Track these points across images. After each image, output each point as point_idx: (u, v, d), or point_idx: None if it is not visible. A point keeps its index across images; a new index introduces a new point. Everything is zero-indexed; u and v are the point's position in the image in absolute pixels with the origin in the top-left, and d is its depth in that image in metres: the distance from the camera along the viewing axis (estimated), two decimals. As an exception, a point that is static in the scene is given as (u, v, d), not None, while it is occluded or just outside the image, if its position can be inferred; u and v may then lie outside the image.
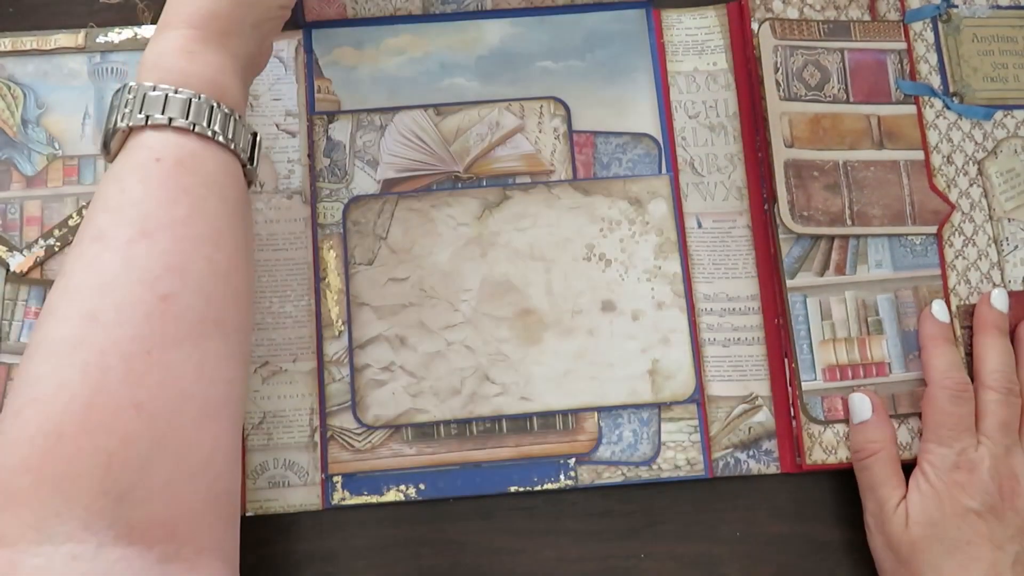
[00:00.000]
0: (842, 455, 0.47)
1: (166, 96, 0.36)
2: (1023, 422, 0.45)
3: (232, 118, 0.38)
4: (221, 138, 0.37)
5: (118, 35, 0.50)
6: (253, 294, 0.39)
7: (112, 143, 0.37)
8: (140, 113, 0.36)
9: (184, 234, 0.35)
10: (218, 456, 0.34)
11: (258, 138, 0.40)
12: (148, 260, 0.33)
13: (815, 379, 0.47)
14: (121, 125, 0.36)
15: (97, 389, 0.31)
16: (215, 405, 0.34)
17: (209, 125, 0.37)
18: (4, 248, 0.47)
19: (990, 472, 0.43)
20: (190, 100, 0.36)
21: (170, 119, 0.36)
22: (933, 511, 0.43)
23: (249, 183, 0.40)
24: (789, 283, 0.48)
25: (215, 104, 0.37)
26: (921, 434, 0.46)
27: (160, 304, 0.33)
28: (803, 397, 0.47)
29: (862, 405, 0.46)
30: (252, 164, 0.39)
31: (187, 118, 0.36)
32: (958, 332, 0.48)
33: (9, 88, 0.49)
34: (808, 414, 0.47)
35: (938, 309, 0.47)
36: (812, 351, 0.47)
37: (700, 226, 0.50)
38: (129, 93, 0.37)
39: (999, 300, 0.47)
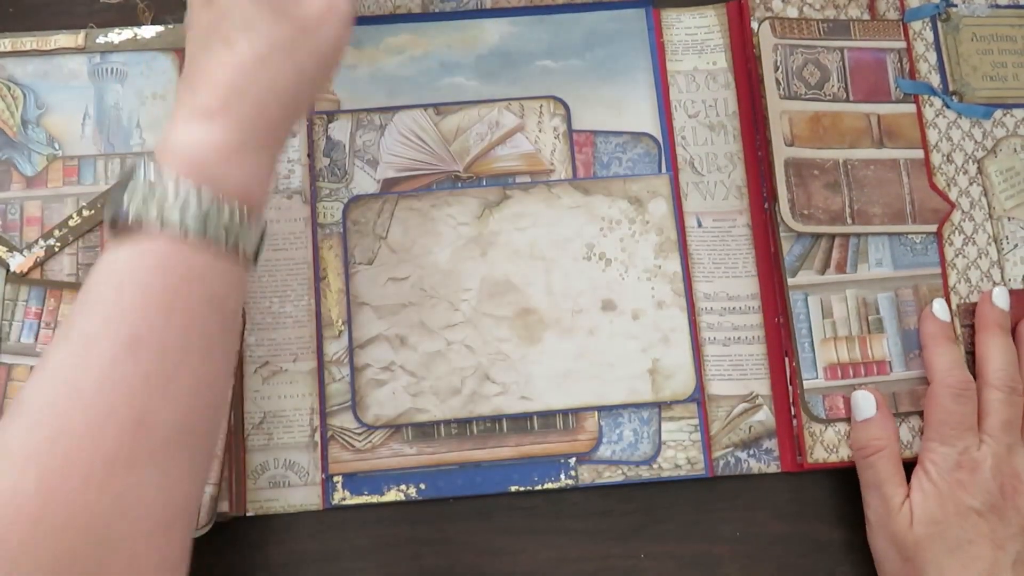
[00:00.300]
0: (843, 454, 0.47)
1: (186, 196, 0.33)
2: None
3: (248, 222, 0.35)
4: (232, 247, 0.34)
5: (118, 35, 0.50)
6: (231, 392, 0.37)
7: (119, 226, 0.34)
8: (155, 209, 0.33)
9: (175, 346, 0.33)
10: (166, 566, 0.32)
11: (264, 230, 0.37)
12: (132, 376, 0.31)
13: (816, 377, 0.47)
14: (132, 215, 0.33)
15: (50, 500, 0.29)
16: (170, 519, 0.32)
17: (225, 235, 0.34)
18: (4, 248, 0.47)
19: (992, 471, 0.43)
20: (211, 206, 0.34)
21: (184, 225, 0.33)
22: (935, 510, 0.43)
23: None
24: (790, 281, 0.48)
25: (240, 214, 0.34)
26: (922, 432, 0.46)
27: (135, 424, 0.31)
28: (804, 395, 0.47)
29: (866, 402, 0.46)
30: (256, 262, 0.37)
31: (202, 225, 0.33)
32: (958, 330, 0.48)
33: (9, 88, 0.49)
34: (809, 412, 0.47)
35: (939, 308, 0.47)
36: (813, 349, 0.47)
37: (700, 225, 0.50)
38: (149, 177, 0.34)
39: (1000, 298, 0.47)
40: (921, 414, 0.47)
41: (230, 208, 0.34)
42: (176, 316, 0.33)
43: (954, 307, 0.48)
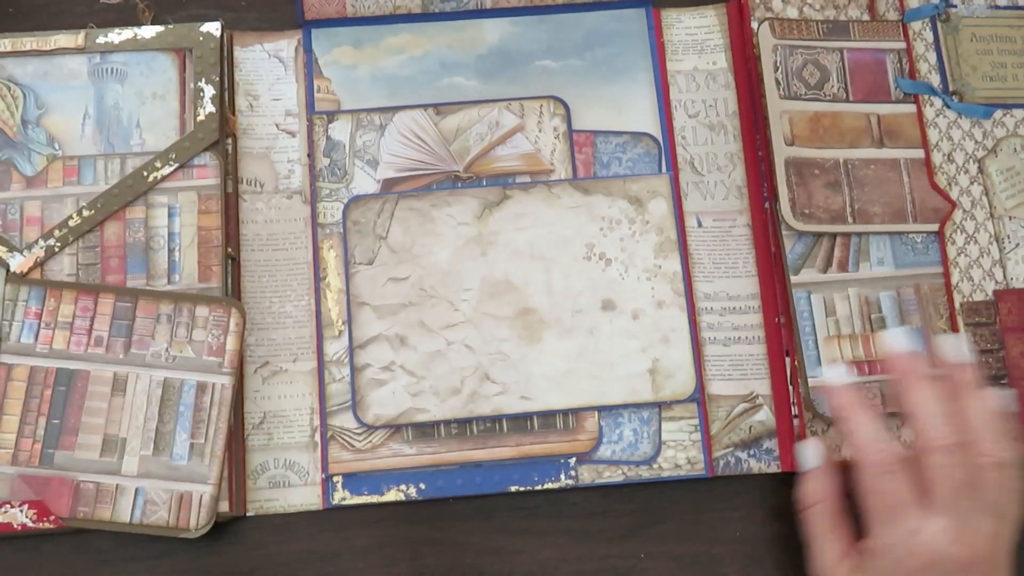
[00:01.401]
0: (846, 452, 0.46)
1: None
2: (982, 478, 0.38)
3: None
4: None
5: (118, 35, 0.50)
6: None
7: None
8: None
9: None
10: None
11: None
12: None
13: (821, 376, 0.47)
14: None
15: None
16: None
17: None
18: (4, 248, 0.47)
19: (943, 553, 0.37)
20: None
21: None
22: None
23: None
24: (793, 279, 0.48)
25: None
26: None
27: None
28: (809, 393, 0.47)
29: (811, 453, 0.44)
30: None
31: None
32: (961, 328, 0.48)
33: (9, 88, 0.49)
34: (814, 410, 0.46)
35: (833, 374, 0.43)
36: (817, 347, 0.47)
37: (700, 225, 0.50)
38: None
39: (896, 340, 0.42)
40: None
41: None
42: None
43: (957, 306, 0.48)
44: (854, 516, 0.42)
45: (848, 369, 0.45)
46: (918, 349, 0.41)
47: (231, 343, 0.46)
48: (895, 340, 0.41)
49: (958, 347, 0.41)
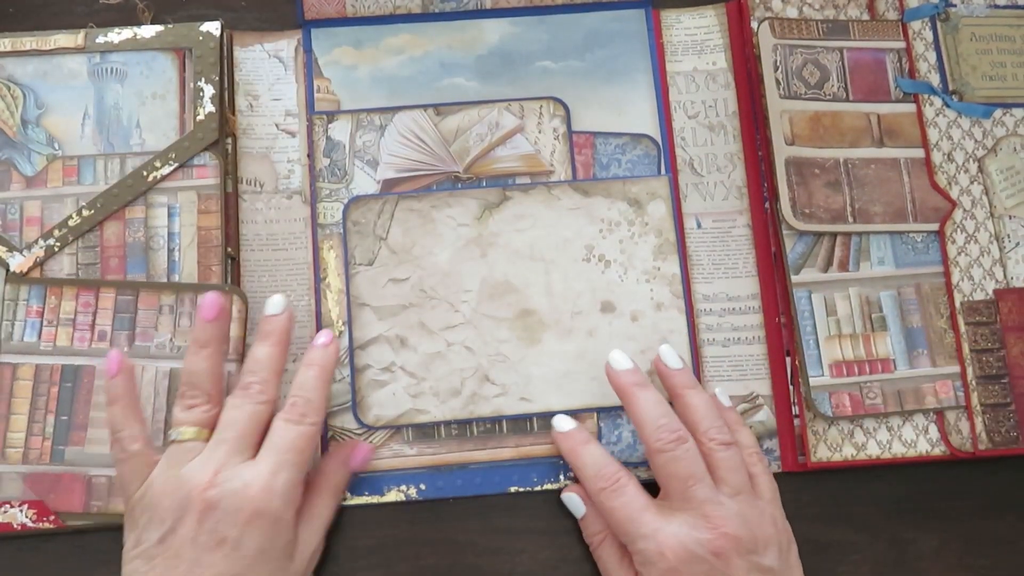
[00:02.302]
0: (847, 452, 0.46)
1: None
2: (713, 459, 0.41)
3: None
4: None
5: (118, 35, 0.49)
6: None
7: None
8: None
9: None
10: None
11: None
12: None
13: (822, 375, 0.47)
14: None
15: None
16: None
17: None
18: (4, 248, 0.47)
19: (687, 541, 0.39)
20: None
21: None
22: None
23: None
24: (794, 279, 0.48)
25: None
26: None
27: None
28: (811, 393, 0.47)
29: (574, 504, 0.45)
30: None
31: None
32: (962, 328, 0.48)
33: (9, 88, 0.49)
34: (816, 410, 0.46)
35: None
36: (819, 347, 0.47)
37: (700, 226, 0.50)
38: None
39: (620, 360, 0.44)
40: (925, 412, 0.47)
41: None
42: None
43: (958, 305, 0.48)
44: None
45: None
46: (678, 365, 0.44)
47: (235, 330, 0.46)
48: (615, 361, 0.44)
49: (670, 355, 0.44)
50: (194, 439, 0.41)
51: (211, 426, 0.41)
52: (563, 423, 0.45)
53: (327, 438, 0.47)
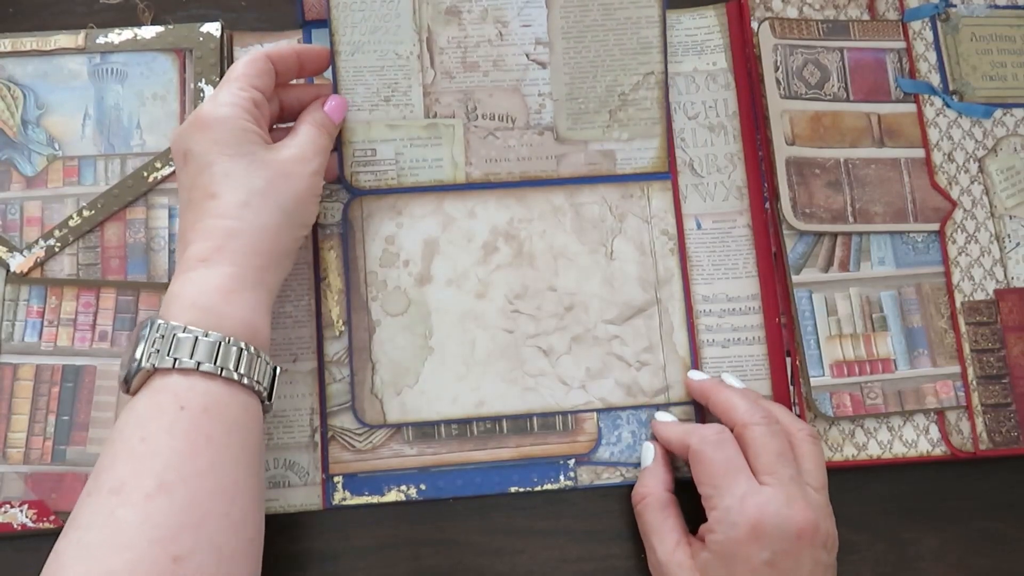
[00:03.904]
0: (848, 452, 0.46)
1: (196, 339, 0.36)
2: (799, 451, 0.42)
3: (258, 358, 0.38)
4: (247, 381, 0.37)
5: (118, 36, 0.50)
6: (263, 532, 0.38)
7: (134, 380, 0.37)
8: (168, 355, 0.36)
9: (203, 487, 0.34)
10: None
11: (277, 372, 0.40)
12: (165, 518, 0.33)
13: (823, 375, 0.47)
14: (146, 365, 0.36)
15: None
16: None
17: (236, 368, 0.37)
18: (4, 249, 0.47)
19: (777, 512, 0.39)
20: (219, 343, 0.37)
21: (198, 363, 0.36)
22: (723, 571, 0.39)
23: (265, 413, 0.40)
24: (794, 279, 0.48)
25: (243, 346, 0.37)
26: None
27: (173, 565, 0.33)
28: (812, 393, 0.47)
29: (646, 453, 0.46)
30: (271, 400, 0.40)
31: (215, 362, 0.36)
32: (963, 328, 0.48)
33: (9, 89, 0.49)
34: (817, 410, 0.46)
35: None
36: (819, 347, 0.47)
37: (700, 227, 0.50)
38: (158, 332, 0.37)
39: (699, 373, 0.47)
40: (926, 412, 0.47)
41: (237, 346, 0.37)
42: (202, 453, 0.35)
43: (958, 305, 0.48)
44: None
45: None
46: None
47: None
48: (694, 375, 0.47)
49: (735, 381, 0.46)
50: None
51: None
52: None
53: (327, 437, 0.47)
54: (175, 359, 0.36)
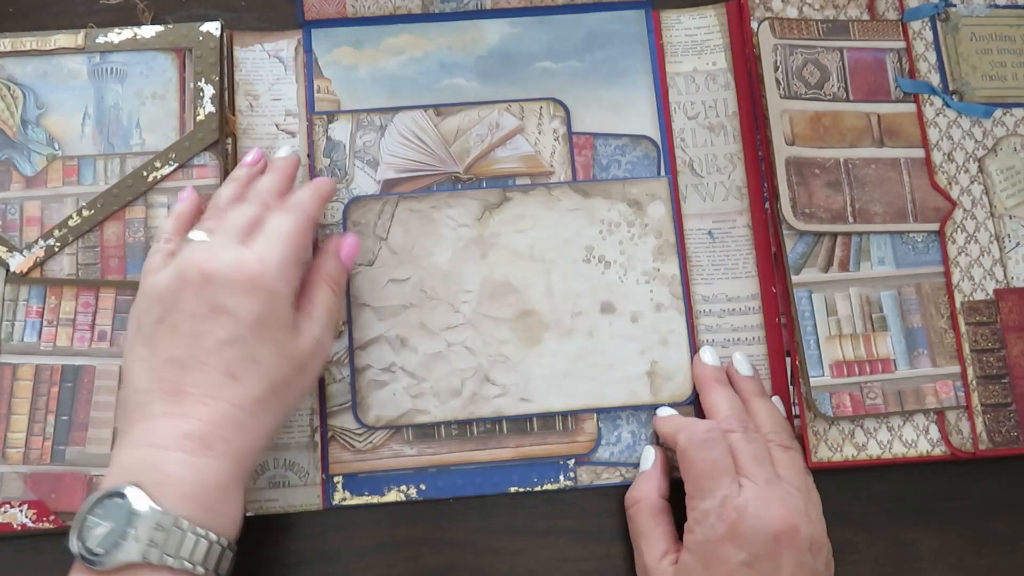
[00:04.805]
0: (848, 453, 0.46)
1: (197, 540, 0.35)
2: (774, 457, 0.43)
3: (233, 553, 0.37)
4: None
5: (118, 35, 0.50)
6: None
7: (123, 571, 0.34)
8: (172, 556, 0.34)
9: None
10: None
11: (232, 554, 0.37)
12: None
13: (823, 375, 0.47)
14: (140, 559, 0.34)
15: None
16: None
17: (217, 569, 0.35)
18: (4, 248, 0.47)
19: (755, 514, 0.39)
20: (215, 546, 0.35)
21: (194, 565, 0.34)
22: (702, 571, 0.39)
23: None
24: (794, 279, 0.48)
25: (228, 545, 0.36)
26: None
27: None
28: (811, 393, 0.47)
29: (646, 456, 0.46)
30: None
31: (205, 565, 0.35)
32: (963, 328, 0.48)
33: (9, 88, 0.49)
34: (816, 410, 0.46)
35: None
36: (819, 347, 0.47)
37: (713, 237, 0.50)
38: (155, 522, 0.34)
39: (709, 356, 0.47)
40: (925, 412, 0.47)
41: (226, 547, 0.36)
42: None
43: (958, 305, 0.48)
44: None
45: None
46: (718, 363, 0.47)
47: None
48: (708, 355, 0.47)
49: (743, 363, 0.47)
50: (204, 240, 0.41)
51: None
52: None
53: (327, 437, 0.47)
54: (180, 560, 0.34)
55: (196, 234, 0.41)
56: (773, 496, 0.40)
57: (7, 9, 0.52)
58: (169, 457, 0.36)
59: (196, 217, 0.44)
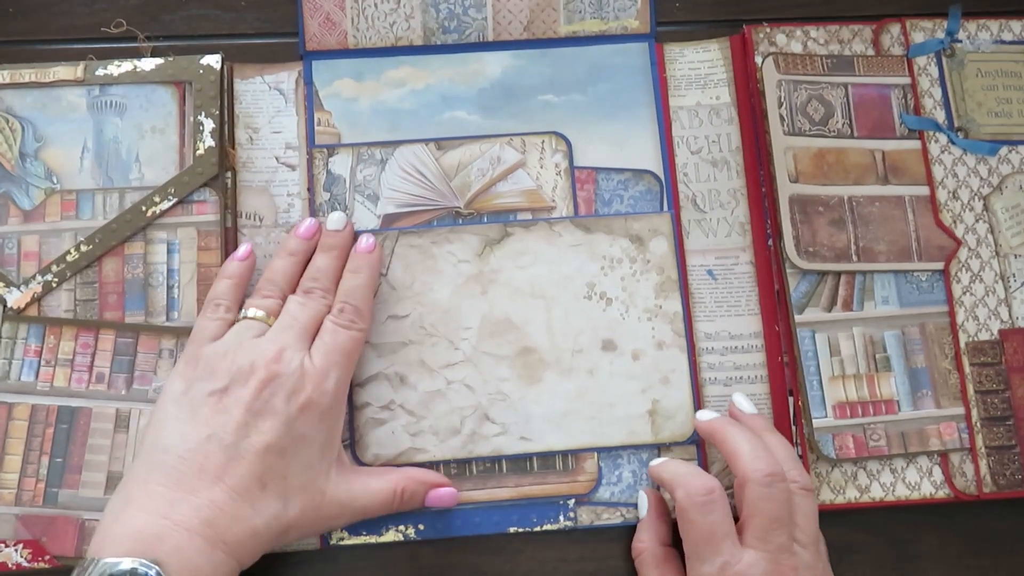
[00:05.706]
0: (850, 495, 0.46)
1: None
2: (792, 504, 0.41)
3: None
4: None
5: (118, 68, 0.49)
6: None
7: None
8: None
9: None
10: None
11: None
12: None
13: (825, 416, 0.47)
14: None
15: None
16: None
17: None
18: (1, 284, 0.46)
19: None
20: None
21: None
22: None
23: None
24: (797, 318, 0.48)
25: None
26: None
27: None
28: (814, 434, 0.46)
29: (641, 503, 0.45)
30: None
31: None
32: (967, 369, 0.47)
33: (7, 121, 0.49)
34: (819, 451, 0.46)
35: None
36: (822, 387, 0.47)
37: (714, 278, 0.49)
38: None
39: (703, 416, 0.45)
40: (929, 454, 0.46)
41: None
42: None
43: (962, 345, 0.47)
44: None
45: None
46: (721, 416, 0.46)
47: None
48: (702, 415, 0.45)
49: (744, 402, 0.46)
50: (263, 320, 0.43)
51: (277, 315, 0.44)
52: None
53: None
54: None
55: (255, 312, 0.43)
56: (784, 562, 0.39)
57: (7, 8, 0.51)
58: (191, 543, 0.36)
59: (248, 280, 0.46)
